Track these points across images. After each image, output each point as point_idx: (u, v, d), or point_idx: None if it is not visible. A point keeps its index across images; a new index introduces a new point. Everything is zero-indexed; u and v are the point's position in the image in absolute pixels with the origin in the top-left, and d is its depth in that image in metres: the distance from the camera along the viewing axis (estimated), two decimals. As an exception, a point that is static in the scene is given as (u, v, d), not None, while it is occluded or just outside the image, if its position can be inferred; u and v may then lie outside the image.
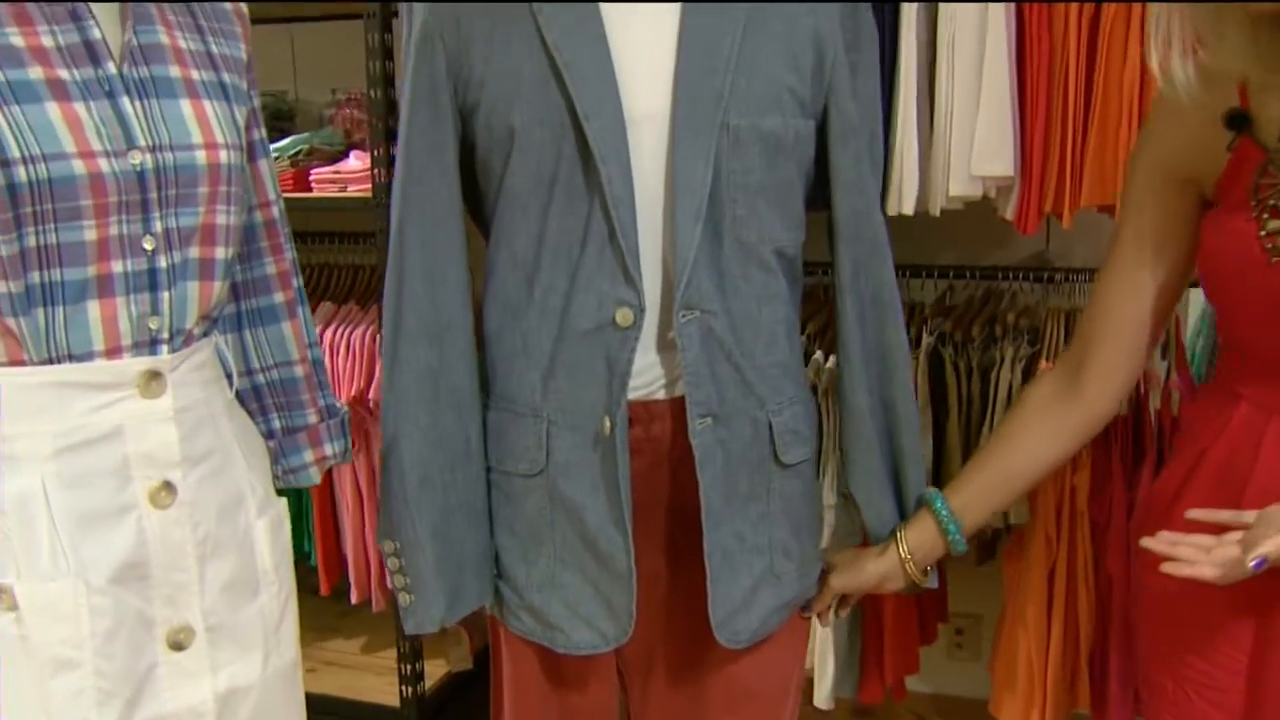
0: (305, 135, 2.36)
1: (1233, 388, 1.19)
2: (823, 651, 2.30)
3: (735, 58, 1.25)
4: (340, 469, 2.49)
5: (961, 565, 2.39)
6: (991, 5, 2.02)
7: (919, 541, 1.39)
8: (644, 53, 1.25)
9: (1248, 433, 1.15)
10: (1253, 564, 1.02)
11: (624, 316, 1.25)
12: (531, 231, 1.28)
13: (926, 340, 2.20)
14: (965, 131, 2.07)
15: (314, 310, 2.42)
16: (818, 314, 2.33)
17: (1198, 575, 1.05)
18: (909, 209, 2.12)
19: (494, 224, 1.33)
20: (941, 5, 2.06)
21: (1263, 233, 1.11)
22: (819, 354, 2.20)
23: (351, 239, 2.62)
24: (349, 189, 2.26)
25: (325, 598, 2.65)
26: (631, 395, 1.29)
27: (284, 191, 2.22)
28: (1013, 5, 2.02)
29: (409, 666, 2.47)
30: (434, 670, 2.61)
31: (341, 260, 2.63)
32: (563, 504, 1.31)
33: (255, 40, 2.64)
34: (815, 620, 1.49)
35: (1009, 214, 2.11)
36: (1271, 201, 1.11)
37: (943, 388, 2.20)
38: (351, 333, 2.37)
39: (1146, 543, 1.10)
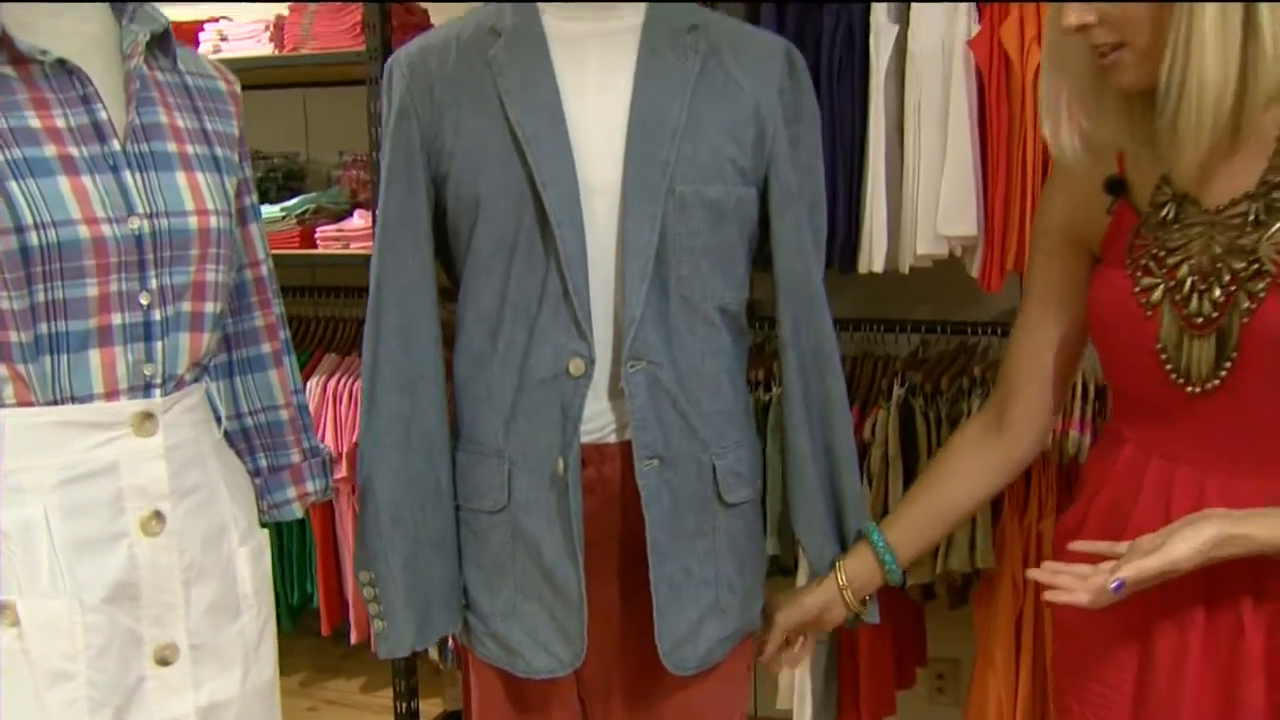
0: (313, 195, 2.51)
1: (1119, 431, 1.30)
2: (800, 693, 2.39)
3: (681, 130, 1.37)
4: (343, 514, 2.62)
5: (939, 610, 2.48)
6: (954, 76, 2.15)
7: (857, 571, 1.50)
8: (598, 126, 1.39)
9: (1131, 473, 1.25)
10: (1113, 586, 1.12)
11: (576, 366, 1.37)
12: (495, 289, 1.41)
13: (898, 392, 2.30)
14: (931, 194, 2.19)
15: (318, 361, 2.56)
16: (795, 366, 2.44)
17: (1074, 601, 1.15)
18: (879, 267, 2.24)
19: (462, 282, 1.46)
20: (908, 74, 2.19)
21: (1137, 289, 1.22)
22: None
23: (355, 293, 2.75)
24: (351, 246, 2.40)
25: (326, 639, 2.76)
26: (585, 439, 1.40)
27: (291, 248, 2.39)
28: (974, 76, 2.14)
29: (405, 705, 2.57)
30: (430, 709, 2.71)
31: (345, 314, 2.77)
32: (523, 539, 1.42)
33: (271, 104, 2.82)
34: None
35: (974, 272, 2.23)
36: (1144, 260, 1.22)
37: (913, 437, 2.30)
38: (354, 382, 2.50)
39: (1032, 573, 1.21)
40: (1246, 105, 1.09)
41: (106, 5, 1.26)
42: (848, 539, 1.54)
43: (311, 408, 2.43)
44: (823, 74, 2.21)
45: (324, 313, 2.78)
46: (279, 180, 2.66)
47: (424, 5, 2.47)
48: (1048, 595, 1.17)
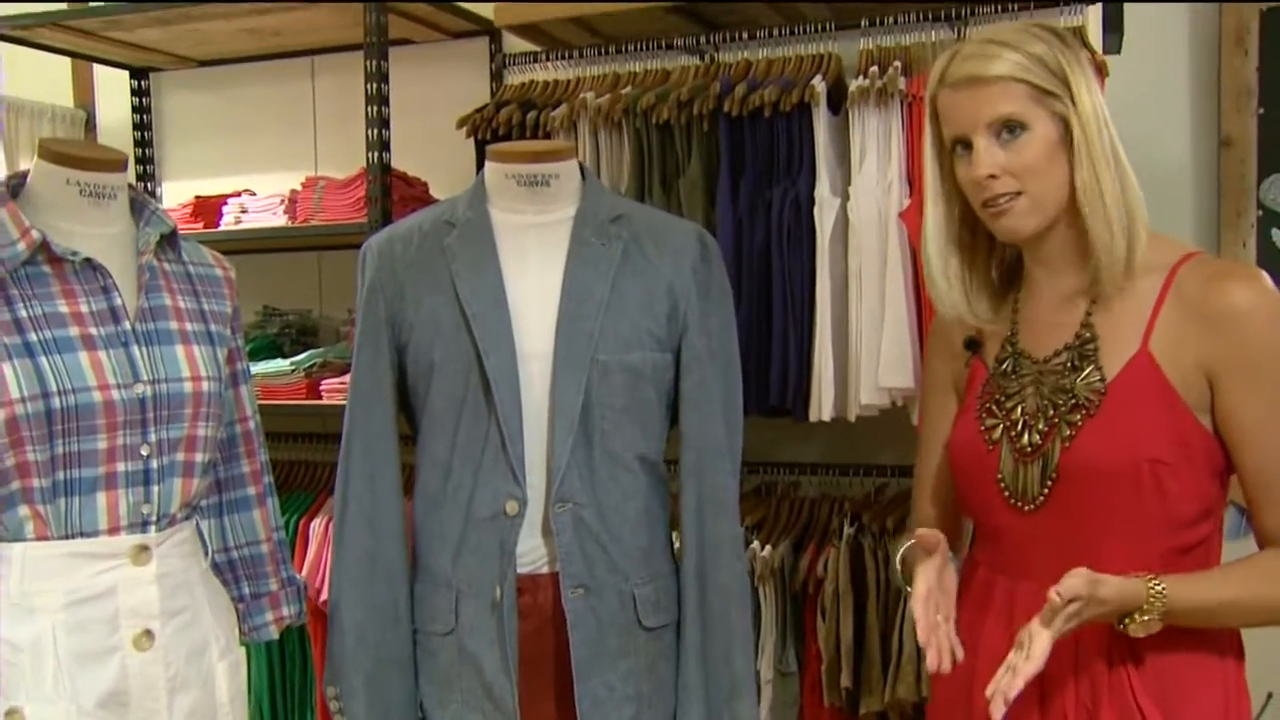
0: (322, 350, 2.78)
1: (974, 555, 1.51)
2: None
3: (605, 306, 1.63)
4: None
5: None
6: (890, 244, 2.39)
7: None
8: (534, 303, 1.64)
9: (983, 593, 1.45)
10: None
11: (512, 507, 1.60)
12: (447, 441, 1.65)
13: (848, 531, 2.49)
14: (873, 349, 2.40)
15: (321, 505, 2.79)
16: (756, 509, 2.64)
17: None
18: (827, 415, 2.44)
19: (419, 434, 1.71)
20: (850, 242, 2.43)
21: (982, 428, 1.45)
22: (756, 543, 2.50)
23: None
24: (353, 397, 2.65)
25: (325, 761, 2.92)
26: (521, 570, 1.63)
27: (297, 399, 2.64)
28: (907, 243, 2.38)
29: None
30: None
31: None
32: (468, 658, 1.63)
33: (288, 265, 3.11)
34: None
35: (915, 420, 2.43)
36: (989, 405, 1.46)
37: (863, 573, 2.47)
38: (354, 520, 2.72)
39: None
40: (1134, 244, 1.34)
41: (127, 209, 1.55)
42: (738, 677, 1.67)
43: (314, 548, 2.66)
44: (773, 241, 2.44)
45: (330, 458, 3.01)
46: (293, 335, 2.94)
47: (424, 179, 2.77)
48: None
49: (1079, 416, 1.36)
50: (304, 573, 2.64)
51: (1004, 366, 1.46)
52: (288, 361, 2.68)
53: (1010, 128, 1.35)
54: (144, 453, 1.46)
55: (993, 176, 1.36)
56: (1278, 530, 1.33)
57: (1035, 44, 1.35)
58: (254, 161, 3.16)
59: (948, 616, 1.37)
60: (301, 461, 2.98)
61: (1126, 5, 2.80)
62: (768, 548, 2.49)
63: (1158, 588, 1.28)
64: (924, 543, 1.38)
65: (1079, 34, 2.24)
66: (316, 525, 2.73)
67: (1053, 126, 1.35)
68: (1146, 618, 1.28)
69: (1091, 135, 1.34)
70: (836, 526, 2.54)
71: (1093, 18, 2.41)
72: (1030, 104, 1.34)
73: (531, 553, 1.63)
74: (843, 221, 2.43)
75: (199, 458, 1.53)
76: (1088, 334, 1.38)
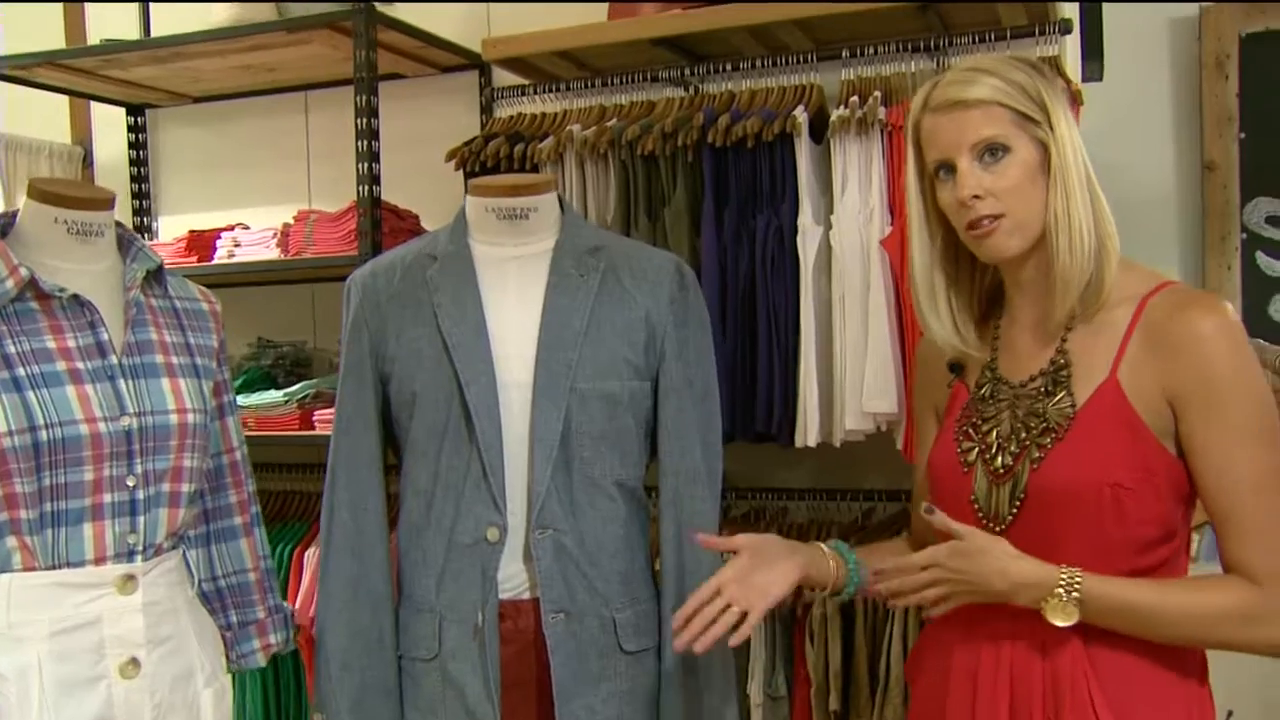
0: (314, 381, 2.81)
1: None
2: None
3: (583, 336, 1.66)
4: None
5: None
6: (872, 271, 2.42)
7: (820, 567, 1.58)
8: (514, 334, 1.68)
9: (955, 613, 1.47)
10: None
11: (493, 534, 1.63)
12: (430, 470, 1.68)
13: (835, 554, 2.51)
14: (857, 375, 2.42)
15: (314, 534, 2.81)
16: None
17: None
18: (813, 441, 2.46)
19: (403, 463, 1.73)
20: (834, 269, 2.46)
21: (959, 450, 1.49)
22: (744, 566, 2.52)
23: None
24: (346, 427, 2.68)
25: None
26: (503, 596, 1.65)
27: (290, 430, 2.67)
28: (890, 270, 2.41)
29: None
30: None
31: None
32: (451, 683, 1.66)
33: (282, 297, 3.13)
34: None
35: (899, 445, 2.46)
36: (966, 427, 1.50)
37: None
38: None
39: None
40: (1104, 270, 1.38)
41: (114, 246, 1.59)
42: (698, 692, 1.70)
43: (308, 577, 2.68)
44: (758, 269, 2.47)
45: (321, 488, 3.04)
46: (286, 366, 2.97)
47: (416, 212, 2.81)
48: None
49: (1048, 440, 1.39)
50: (298, 602, 2.66)
51: (983, 391, 1.50)
52: (281, 393, 2.71)
53: (993, 150, 1.39)
54: (130, 484, 1.49)
55: (976, 197, 1.40)
56: (1236, 557, 1.35)
57: (1016, 72, 1.40)
58: (249, 195, 3.20)
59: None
60: (295, 491, 3.00)
61: (1107, 33, 2.85)
62: (755, 572, 2.51)
63: (1073, 575, 1.34)
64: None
65: (1054, 64, 2.27)
66: (310, 555, 2.75)
67: (1033, 150, 1.39)
68: (1060, 602, 1.34)
69: (1068, 161, 1.38)
70: (824, 551, 2.56)
71: (1069, 47, 2.45)
72: (1011, 127, 1.38)
73: (513, 578, 1.66)
74: (825, 249, 2.46)
75: (185, 488, 1.56)
76: (1062, 360, 1.42)
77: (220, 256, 2.77)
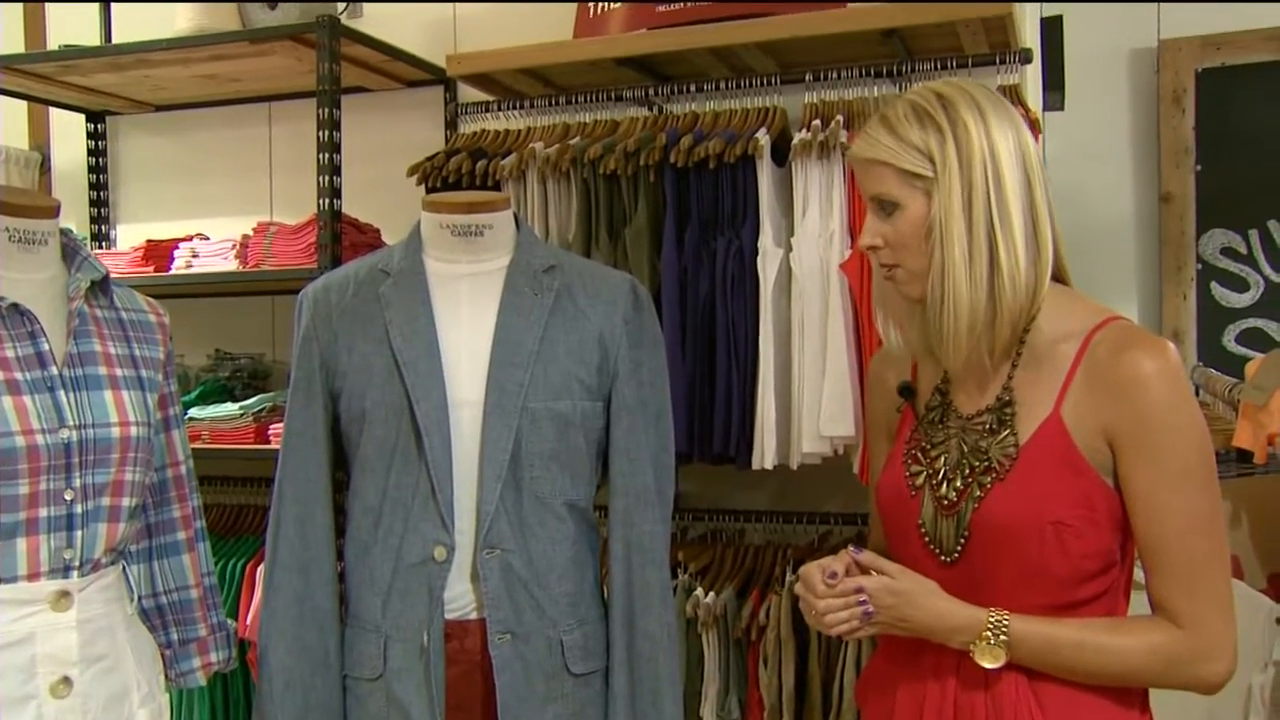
0: (271, 394, 2.78)
1: None
2: None
3: (535, 354, 1.65)
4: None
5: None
6: (831, 294, 2.42)
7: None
8: (466, 352, 1.66)
9: (903, 643, 1.47)
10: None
11: (440, 553, 1.61)
12: (379, 487, 1.66)
13: (790, 579, 2.50)
14: (814, 398, 2.43)
15: (270, 546, 2.77)
16: (702, 555, 2.65)
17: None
18: (769, 464, 2.45)
19: (351, 480, 1.71)
20: (793, 292, 2.47)
21: (907, 474, 1.49)
22: (699, 590, 2.51)
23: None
24: (301, 441, 2.65)
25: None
26: (449, 615, 1.63)
27: (245, 444, 2.64)
28: (848, 293, 2.42)
29: None
30: None
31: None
32: (396, 704, 1.63)
33: (241, 309, 3.09)
34: None
35: (856, 469, 2.46)
36: (915, 451, 1.49)
37: (804, 619, 2.48)
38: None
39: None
40: (998, 323, 1.37)
41: (58, 255, 1.56)
42: (645, 715, 1.67)
43: (259, 593, 2.64)
44: (718, 290, 2.47)
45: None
46: (244, 378, 2.94)
47: (375, 225, 2.79)
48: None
49: (989, 479, 1.39)
50: (250, 617, 2.62)
51: (933, 415, 1.50)
52: (236, 405, 2.68)
53: (883, 205, 1.42)
54: (68, 498, 1.46)
55: (874, 246, 1.43)
56: (1160, 596, 1.36)
57: (911, 130, 1.39)
58: (210, 205, 3.18)
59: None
60: (249, 505, 2.97)
61: (1068, 64, 2.88)
62: (711, 594, 2.50)
63: (1000, 617, 1.36)
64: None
65: (1013, 92, 2.29)
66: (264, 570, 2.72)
67: (925, 205, 1.39)
68: (987, 645, 1.35)
69: (952, 216, 1.36)
70: (780, 574, 2.56)
71: (1030, 76, 2.47)
72: (899, 185, 1.40)
73: (460, 598, 1.64)
74: (786, 271, 2.46)
75: (125, 502, 1.53)
76: (1008, 397, 1.42)
77: (178, 267, 2.74)
